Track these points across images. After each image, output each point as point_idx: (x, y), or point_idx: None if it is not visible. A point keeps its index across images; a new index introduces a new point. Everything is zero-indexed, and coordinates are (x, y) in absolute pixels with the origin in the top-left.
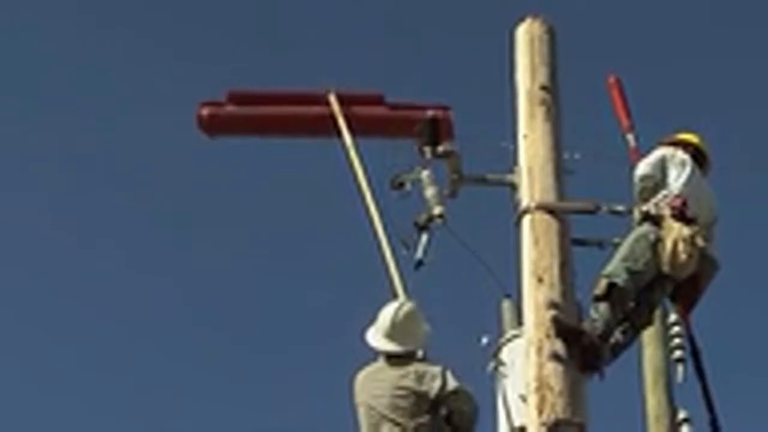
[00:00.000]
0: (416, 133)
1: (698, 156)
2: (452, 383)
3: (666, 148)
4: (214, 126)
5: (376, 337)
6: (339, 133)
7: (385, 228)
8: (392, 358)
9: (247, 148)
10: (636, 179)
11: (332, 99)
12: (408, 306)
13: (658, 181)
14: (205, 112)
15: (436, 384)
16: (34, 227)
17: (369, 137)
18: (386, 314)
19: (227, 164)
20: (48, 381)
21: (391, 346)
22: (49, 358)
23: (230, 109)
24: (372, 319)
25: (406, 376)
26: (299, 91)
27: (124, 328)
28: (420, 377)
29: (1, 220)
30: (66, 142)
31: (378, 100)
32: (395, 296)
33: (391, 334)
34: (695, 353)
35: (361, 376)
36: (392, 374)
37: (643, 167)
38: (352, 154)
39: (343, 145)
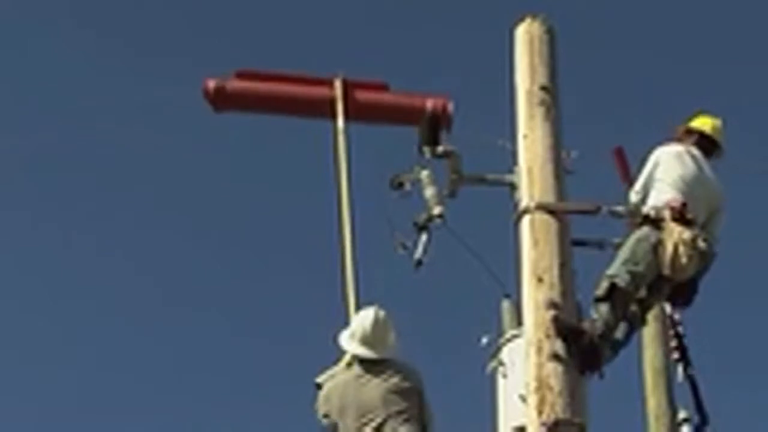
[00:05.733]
0: (417, 124)
1: (706, 143)
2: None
3: (658, 153)
4: (219, 99)
5: (353, 344)
6: (335, 117)
7: (352, 225)
8: (366, 364)
9: (236, 148)
10: (631, 206)
11: (337, 84)
12: (383, 313)
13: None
14: (211, 84)
15: (420, 378)
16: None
17: (371, 123)
18: (364, 321)
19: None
20: (45, 379)
21: (371, 353)
22: (46, 357)
23: (236, 83)
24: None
25: (390, 378)
26: (306, 75)
27: (118, 327)
28: (405, 377)
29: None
30: (64, 143)
31: (382, 88)
32: (345, 300)
33: (369, 341)
34: (683, 351)
35: (330, 388)
36: (378, 379)
37: (633, 197)
38: (341, 139)
39: (336, 129)
